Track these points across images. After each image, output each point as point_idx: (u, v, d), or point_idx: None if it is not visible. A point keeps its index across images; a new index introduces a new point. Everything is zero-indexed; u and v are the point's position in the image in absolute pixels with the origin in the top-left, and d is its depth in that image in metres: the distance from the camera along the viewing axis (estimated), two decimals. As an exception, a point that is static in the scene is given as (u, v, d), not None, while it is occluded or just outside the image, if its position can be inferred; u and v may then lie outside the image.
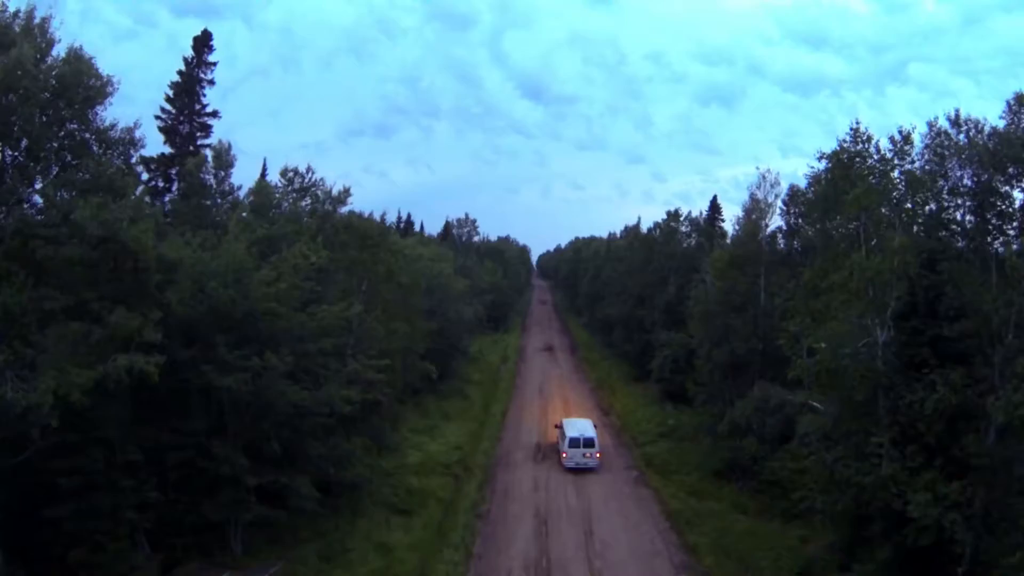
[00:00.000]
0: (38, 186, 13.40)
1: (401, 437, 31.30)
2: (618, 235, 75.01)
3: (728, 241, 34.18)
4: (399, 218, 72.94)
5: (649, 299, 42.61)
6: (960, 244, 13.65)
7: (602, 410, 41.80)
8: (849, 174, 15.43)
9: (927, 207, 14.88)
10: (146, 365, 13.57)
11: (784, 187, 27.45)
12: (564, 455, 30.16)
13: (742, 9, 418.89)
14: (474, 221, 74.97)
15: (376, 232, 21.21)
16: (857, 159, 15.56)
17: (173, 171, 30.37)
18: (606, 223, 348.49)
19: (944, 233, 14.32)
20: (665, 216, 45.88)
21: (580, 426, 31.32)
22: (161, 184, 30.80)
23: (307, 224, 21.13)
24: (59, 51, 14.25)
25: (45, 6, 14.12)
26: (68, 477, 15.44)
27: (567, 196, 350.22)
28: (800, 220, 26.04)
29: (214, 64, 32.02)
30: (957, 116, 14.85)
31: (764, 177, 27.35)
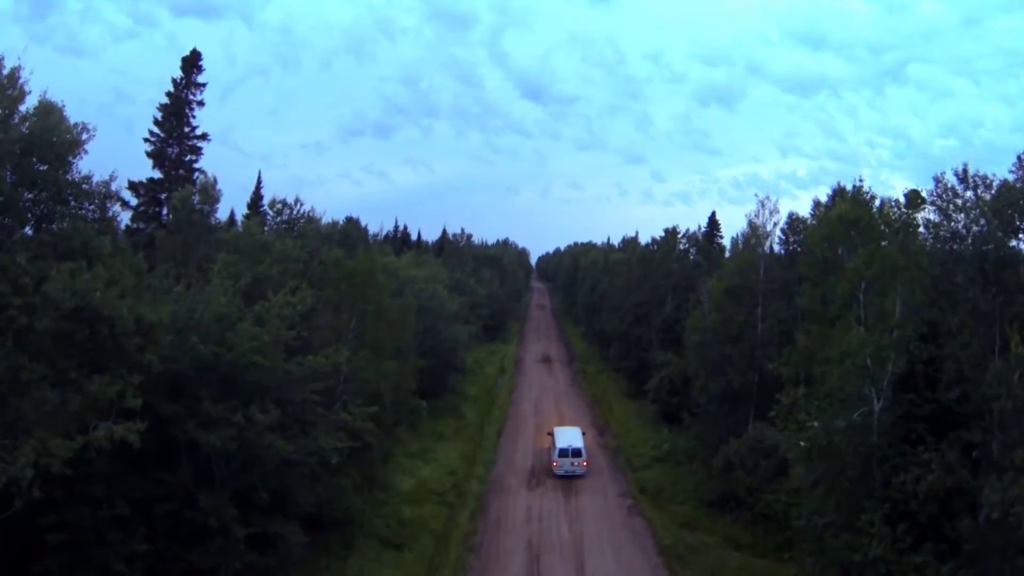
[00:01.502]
0: (8, 251, 13.03)
1: (395, 462, 31.12)
2: (616, 244, 74.75)
3: (728, 254, 33.95)
4: (396, 227, 72.55)
5: (645, 317, 42.35)
6: (964, 315, 13.25)
7: (598, 429, 41.59)
8: (850, 236, 15.05)
9: (931, 273, 14.47)
10: (128, 433, 13.32)
11: (783, 214, 27.16)
12: (555, 464, 32.32)
13: (741, 9, 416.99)
14: (469, 236, 74.68)
15: (365, 269, 20.86)
16: (859, 222, 15.11)
17: (162, 195, 30.17)
18: (606, 223, 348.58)
19: (946, 304, 13.94)
20: (663, 233, 45.65)
21: (569, 436, 33.51)
22: (151, 209, 30.60)
23: (294, 261, 20.77)
24: (31, 103, 13.90)
25: (14, 56, 13.69)
26: (55, 532, 15.23)
27: (567, 196, 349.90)
28: (799, 248, 25.79)
29: (203, 85, 31.78)
30: (965, 172, 14.49)
31: (763, 204, 27.03)
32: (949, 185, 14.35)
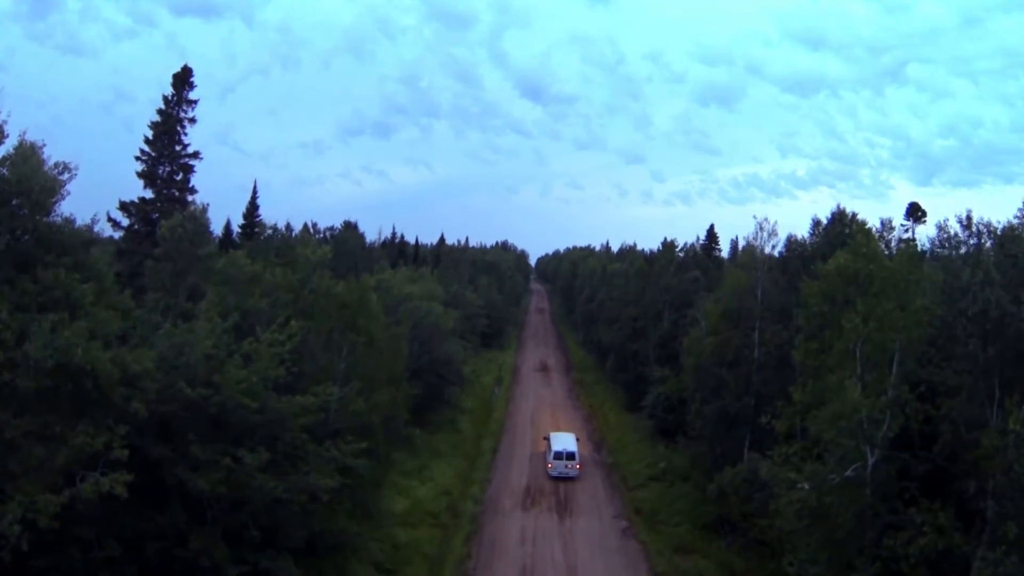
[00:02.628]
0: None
1: (390, 481, 30.93)
2: (615, 248, 74.46)
3: (727, 260, 33.68)
4: (393, 234, 72.27)
5: (643, 331, 42.16)
6: (962, 372, 13.01)
7: (594, 444, 41.47)
8: (849, 291, 14.75)
9: (930, 332, 14.21)
10: (114, 484, 13.17)
11: (782, 236, 26.87)
12: (550, 465, 34.34)
13: (741, 9, 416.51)
14: (467, 240, 74.27)
15: (356, 299, 20.62)
16: (859, 276, 14.77)
17: (155, 216, 29.85)
18: (605, 222, 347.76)
19: (944, 361, 13.71)
20: (662, 242, 45.44)
21: (564, 440, 35.64)
22: (143, 229, 30.28)
23: (284, 291, 20.52)
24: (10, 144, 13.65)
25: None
26: (47, 575, 15.08)
27: (566, 195, 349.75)
28: (801, 271, 25.48)
29: (195, 102, 31.34)
30: (969, 219, 14.24)
31: (761, 227, 26.75)
32: (952, 233, 14.10)
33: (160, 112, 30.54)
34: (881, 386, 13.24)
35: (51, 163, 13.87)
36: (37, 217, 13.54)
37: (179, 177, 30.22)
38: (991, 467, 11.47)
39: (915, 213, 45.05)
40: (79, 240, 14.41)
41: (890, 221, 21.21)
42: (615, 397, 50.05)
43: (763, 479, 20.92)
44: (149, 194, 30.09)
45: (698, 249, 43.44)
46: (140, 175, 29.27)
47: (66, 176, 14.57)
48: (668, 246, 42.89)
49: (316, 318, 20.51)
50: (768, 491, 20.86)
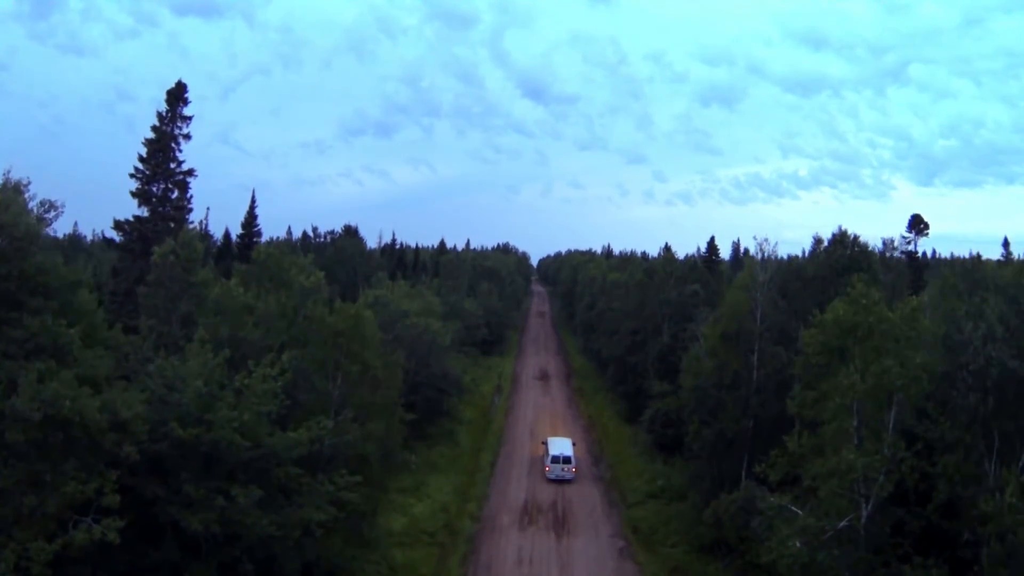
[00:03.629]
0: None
1: (388, 499, 30.76)
2: (616, 251, 74.07)
3: (731, 262, 33.30)
4: (393, 241, 72.10)
5: (642, 345, 41.90)
6: (960, 428, 12.71)
7: (593, 457, 41.31)
8: (848, 343, 14.43)
9: (929, 388, 13.87)
10: (106, 532, 13.06)
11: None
12: (547, 468, 36.48)
13: (742, 9, 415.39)
14: (465, 252, 73.99)
15: (350, 328, 20.42)
16: (858, 329, 14.40)
17: (149, 235, 29.68)
18: (607, 222, 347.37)
19: (942, 416, 13.39)
20: (661, 252, 45.11)
21: (560, 445, 37.94)
22: (137, 247, 30.12)
23: (277, 319, 20.34)
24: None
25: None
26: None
27: (568, 195, 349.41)
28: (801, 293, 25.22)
29: (189, 118, 31.21)
30: (977, 259, 13.90)
31: (761, 248, 26.44)
32: (956, 287, 13.74)
33: (154, 129, 30.41)
34: (878, 443, 12.98)
35: (36, 202, 13.70)
36: (22, 261, 13.33)
37: (174, 195, 30.07)
38: (987, 532, 11.21)
39: (917, 225, 44.77)
40: (65, 282, 14.22)
41: (892, 241, 20.84)
42: (614, 407, 49.80)
43: (759, 510, 20.73)
44: (144, 212, 30.00)
45: (699, 261, 43.08)
46: (134, 194, 29.11)
47: (52, 215, 14.40)
48: (668, 258, 42.58)
49: (310, 346, 20.31)
50: (765, 519, 20.68)
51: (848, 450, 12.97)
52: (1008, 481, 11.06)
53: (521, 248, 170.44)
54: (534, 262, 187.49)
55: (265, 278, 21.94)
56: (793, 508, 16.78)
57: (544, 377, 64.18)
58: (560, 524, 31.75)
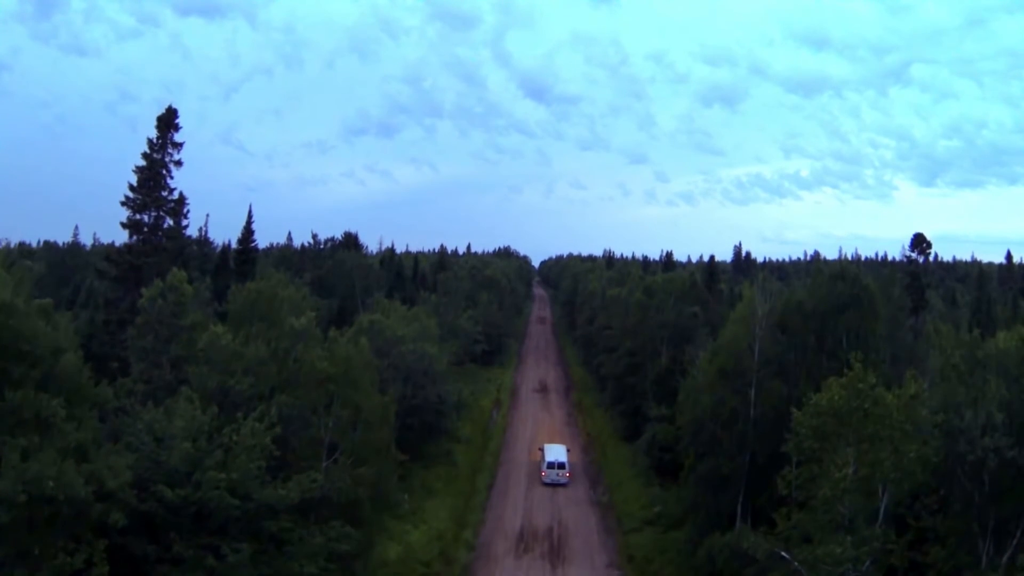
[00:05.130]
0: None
1: (382, 525, 30.52)
2: (618, 255, 73.52)
3: (732, 264, 32.82)
4: (393, 250, 71.79)
5: (640, 366, 41.53)
6: (953, 517, 12.31)
7: (591, 479, 40.99)
8: (840, 431, 14.02)
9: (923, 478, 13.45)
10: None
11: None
12: (543, 473, 38.72)
13: (744, 10, 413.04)
14: (466, 256, 73.43)
15: (341, 373, 20.14)
16: (852, 415, 13.96)
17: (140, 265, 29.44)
18: (609, 222, 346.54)
19: (937, 509, 12.98)
20: (661, 257, 44.60)
21: (556, 451, 40.10)
22: (131, 275, 29.88)
23: (266, 365, 20.05)
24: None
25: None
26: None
27: (570, 195, 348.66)
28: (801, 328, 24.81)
29: (180, 144, 30.89)
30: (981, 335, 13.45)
31: (762, 287, 26.00)
32: (958, 367, 13.31)
33: (144, 156, 30.12)
34: (869, 532, 12.61)
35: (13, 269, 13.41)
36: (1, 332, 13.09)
37: (167, 224, 29.82)
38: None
39: (920, 244, 44.29)
40: (47, 350, 13.96)
41: (893, 280, 20.36)
42: (613, 424, 49.47)
43: (754, 558, 20.39)
44: (136, 239, 29.75)
45: (698, 278, 42.65)
46: (125, 225, 28.84)
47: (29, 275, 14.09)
48: (668, 278, 42.14)
49: (301, 390, 20.04)
50: (760, 566, 20.34)
51: (837, 540, 12.62)
52: (998, 566, 10.69)
53: (523, 251, 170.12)
54: (536, 263, 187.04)
55: (255, 318, 21.64)
56: (785, 555, 16.52)
57: (543, 390, 63.84)
58: (556, 553, 31.42)
